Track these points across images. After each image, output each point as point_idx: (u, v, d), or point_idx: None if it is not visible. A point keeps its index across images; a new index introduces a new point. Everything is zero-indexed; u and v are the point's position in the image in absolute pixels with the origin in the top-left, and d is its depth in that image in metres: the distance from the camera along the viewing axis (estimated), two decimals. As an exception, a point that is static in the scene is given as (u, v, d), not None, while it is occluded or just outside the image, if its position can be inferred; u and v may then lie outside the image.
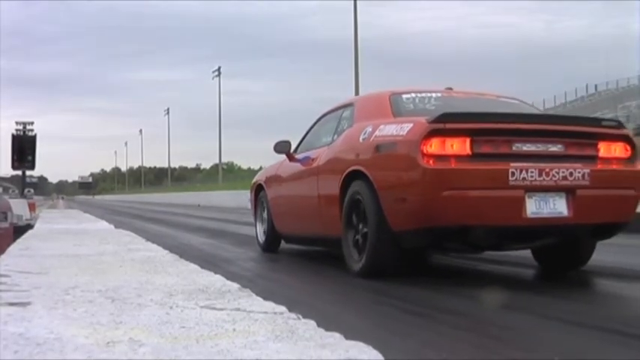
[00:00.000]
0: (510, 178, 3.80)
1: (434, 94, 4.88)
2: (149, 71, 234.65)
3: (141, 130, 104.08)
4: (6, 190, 28.18)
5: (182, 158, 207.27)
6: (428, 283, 4.13)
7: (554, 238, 4.26)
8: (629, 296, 3.93)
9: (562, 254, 4.56)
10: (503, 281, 4.59)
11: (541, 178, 3.86)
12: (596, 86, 57.22)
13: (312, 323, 2.25)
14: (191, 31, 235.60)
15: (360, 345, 1.95)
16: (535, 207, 3.88)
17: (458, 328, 2.87)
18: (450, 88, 5.15)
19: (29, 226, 11.89)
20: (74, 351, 1.88)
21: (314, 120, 5.95)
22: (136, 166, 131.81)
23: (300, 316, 2.36)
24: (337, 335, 2.06)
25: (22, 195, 21.20)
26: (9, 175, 32.26)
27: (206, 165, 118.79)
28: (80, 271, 3.71)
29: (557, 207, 3.93)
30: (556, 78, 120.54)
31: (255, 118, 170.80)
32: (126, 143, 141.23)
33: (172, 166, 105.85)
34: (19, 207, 15.66)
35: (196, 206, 30.38)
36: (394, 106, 4.62)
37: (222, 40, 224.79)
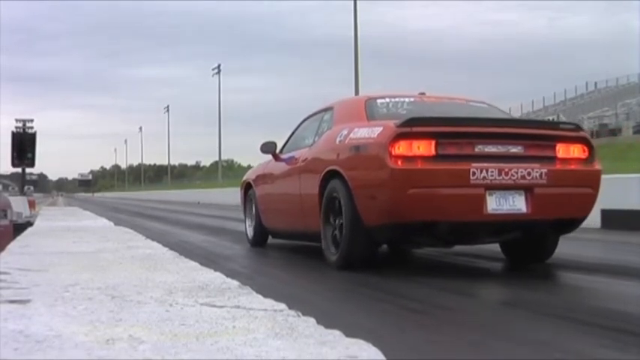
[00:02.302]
0: (471, 177, 4.10)
1: (406, 99, 5.19)
2: (150, 68, 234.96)
3: (141, 128, 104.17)
4: (6, 187, 28.17)
5: (182, 156, 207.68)
6: (426, 281, 4.14)
7: (516, 233, 4.55)
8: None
9: (527, 248, 4.85)
10: (498, 278, 4.61)
11: (500, 177, 4.14)
12: (595, 84, 57.28)
13: (311, 320, 2.24)
14: (192, 29, 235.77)
15: (360, 342, 1.95)
16: (495, 204, 4.17)
17: (458, 325, 2.87)
18: (423, 93, 5.46)
19: (29, 224, 11.88)
20: (74, 348, 1.88)
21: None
22: (135, 163, 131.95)
23: (300, 314, 2.36)
24: (337, 332, 2.06)
25: (22, 192, 21.20)
26: (8, 173, 32.24)
27: (206, 162, 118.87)
28: (80, 269, 3.70)
29: (517, 204, 4.22)
30: (557, 75, 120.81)
31: (256, 116, 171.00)
32: (125, 141, 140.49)
33: (172, 163, 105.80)
34: (18, 204, 15.68)
35: (196, 204, 30.39)
36: (369, 110, 4.95)
37: (223, 38, 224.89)
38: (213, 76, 62.45)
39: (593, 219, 8.97)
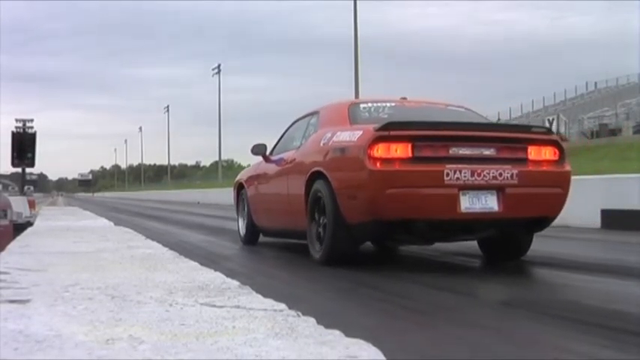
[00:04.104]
0: (445, 178, 4.33)
1: (388, 104, 5.46)
2: (150, 68, 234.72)
3: (140, 128, 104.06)
4: (5, 187, 28.15)
5: (182, 156, 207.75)
6: (426, 280, 4.15)
7: (490, 231, 4.79)
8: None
9: (503, 246, 5.08)
10: (497, 278, 4.59)
11: (473, 178, 4.37)
12: (595, 84, 57.21)
13: (311, 320, 2.24)
14: (192, 28, 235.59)
15: (360, 342, 1.95)
16: (468, 203, 4.39)
17: (458, 325, 2.87)
18: (405, 98, 5.70)
19: (29, 224, 11.89)
20: (74, 348, 1.88)
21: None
22: (135, 163, 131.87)
23: (300, 314, 2.36)
24: (337, 332, 2.06)
25: (22, 192, 21.20)
26: (8, 173, 32.20)
27: (206, 162, 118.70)
28: (80, 269, 3.70)
29: (489, 203, 4.44)
30: (557, 75, 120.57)
31: (256, 116, 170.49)
32: (125, 141, 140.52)
33: (172, 163, 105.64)
34: (18, 204, 15.68)
35: (196, 204, 30.38)
36: (351, 114, 5.21)
37: (223, 38, 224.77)
38: (213, 76, 62.47)
39: (593, 219, 9.01)
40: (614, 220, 8.88)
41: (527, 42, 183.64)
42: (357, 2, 30.02)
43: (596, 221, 9.02)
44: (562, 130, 33.45)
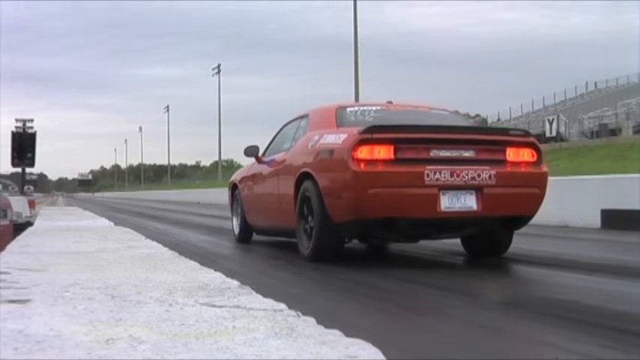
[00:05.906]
0: (426, 179, 4.53)
1: (374, 107, 5.67)
2: (150, 68, 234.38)
3: (140, 128, 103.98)
4: (5, 187, 28.14)
5: (182, 156, 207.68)
6: (426, 281, 4.16)
7: (471, 229, 4.96)
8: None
9: (484, 244, 5.27)
10: (497, 278, 4.61)
11: (453, 179, 4.57)
12: (595, 84, 57.13)
13: (311, 320, 2.24)
14: (193, 28, 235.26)
15: (361, 342, 1.95)
16: (448, 202, 4.59)
17: (458, 325, 2.87)
18: (390, 102, 5.92)
19: (29, 224, 11.88)
20: (74, 348, 1.88)
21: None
22: (135, 163, 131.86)
23: (300, 314, 2.36)
24: (337, 332, 2.06)
25: (22, 192, 21.20)
26: (9, 173, 32.17)
27: (206, 162, 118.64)
28: (80, 268, 3.70)
29: (468, 202, 4.63)
30: (558, 75, 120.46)
31: (257, 115, 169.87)
32: (125, 140, 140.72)
33: (172, 163, 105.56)
34: (18, 204, 15.68)
35: (196, 203, 30.39)
36: (338, 117, 5.43)
37: (224, 37, 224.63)
38: (213, 76, 62.37)
39: (593, 219, 9.02)
40: (614, 220, 8.88)
41: (528, 42, 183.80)
42: (357, 2, 30.04)
43: (596, 221, 9.02)
44: (562, 130, 33.46)
